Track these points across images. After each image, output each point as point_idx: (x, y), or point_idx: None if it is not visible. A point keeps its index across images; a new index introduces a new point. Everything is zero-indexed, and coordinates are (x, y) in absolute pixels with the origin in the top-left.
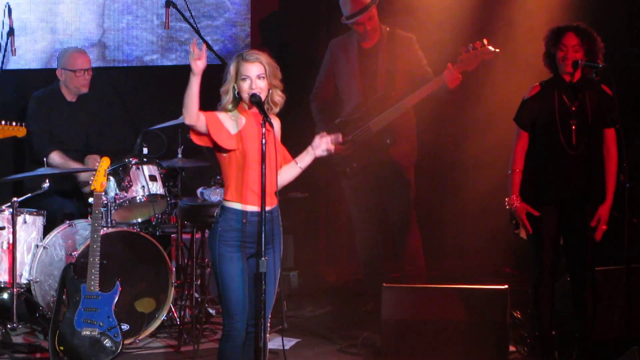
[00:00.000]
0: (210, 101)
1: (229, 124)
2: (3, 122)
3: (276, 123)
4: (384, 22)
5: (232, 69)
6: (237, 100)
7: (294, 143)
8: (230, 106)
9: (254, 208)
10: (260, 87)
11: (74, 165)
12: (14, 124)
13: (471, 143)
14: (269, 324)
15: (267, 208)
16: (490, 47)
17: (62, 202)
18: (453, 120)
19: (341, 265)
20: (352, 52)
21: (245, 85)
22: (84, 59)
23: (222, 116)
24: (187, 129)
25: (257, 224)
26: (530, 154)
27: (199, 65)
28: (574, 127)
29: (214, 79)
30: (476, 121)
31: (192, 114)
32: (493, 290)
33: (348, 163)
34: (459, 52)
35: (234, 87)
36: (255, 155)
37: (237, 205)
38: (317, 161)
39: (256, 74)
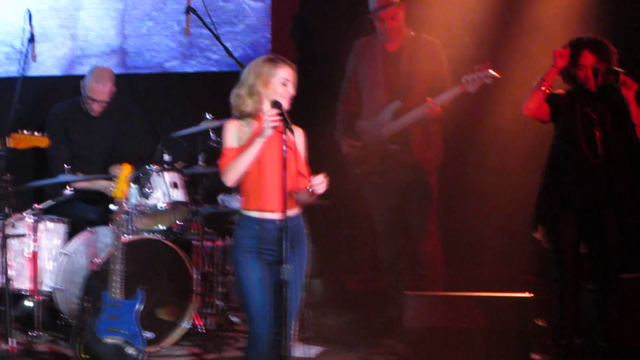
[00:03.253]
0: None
1: (241, 132)
2: (25, 132)
3: (299, 132)
4: (409, 26)
5: (263, 71)
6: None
7: (318, 146)
8: (250, 110)
9: (269, 215)
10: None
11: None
12: (35, 133)
13: (495, 148)
14: (293, 332)
15: (287, 214)
16: (491, 71)
17: (85, 208)
18: (477, 124)
19: (364, 272)
20: (376, 54)
21: (284, 89)
22: (102, 91)
23: (234, 130)
24: (207, 135)
25: (273, 230)
26: (551, 163)
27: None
28: (598, 135)
29: (234, 86)
30: (500, 126)
31: (237, 179)
32: (516, 298)
33: (358, 165)
34: (467, 72)
35: (258, 90)
36: (269, 161)
37: (252, 213)
38: (339, 168)
39: (293, 80)
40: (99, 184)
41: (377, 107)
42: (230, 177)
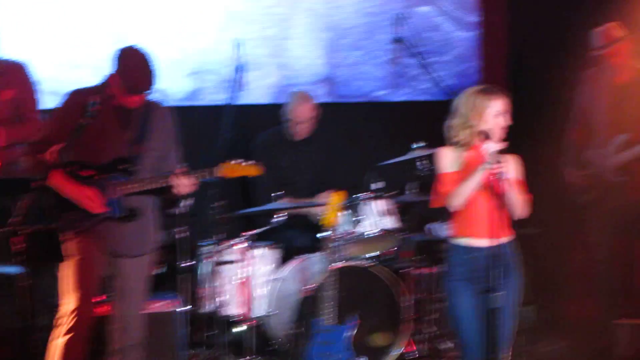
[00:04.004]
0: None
1: (452, 161)
2: (237, 162)
3: (512, 160)
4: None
5: (477, 103)
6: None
7: (530, 175)
8: (464, 141)
9: (479, 242)
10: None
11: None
12: (243, 163)
13: None
14: (506, 359)
15: (498, 242)
16: None
17: (295, 235)
18: None
19: (579, 299)
20: (603, 86)
21: (498, 121)
22: (302, 111)
23: (449, 156)
24: (415, 164)
25: (483, 258)
26: None
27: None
28: None
29: (442, 115)
30: None
31: (462, 205)
32: None
33: (582, 194)
34: None
35: (472, 123)
36: (480, 189)
37: (461, 241)
38: (554, 196)
39: (507, 110)
40: (308, 210)
41: (604, 139)
42: (457, 203)
